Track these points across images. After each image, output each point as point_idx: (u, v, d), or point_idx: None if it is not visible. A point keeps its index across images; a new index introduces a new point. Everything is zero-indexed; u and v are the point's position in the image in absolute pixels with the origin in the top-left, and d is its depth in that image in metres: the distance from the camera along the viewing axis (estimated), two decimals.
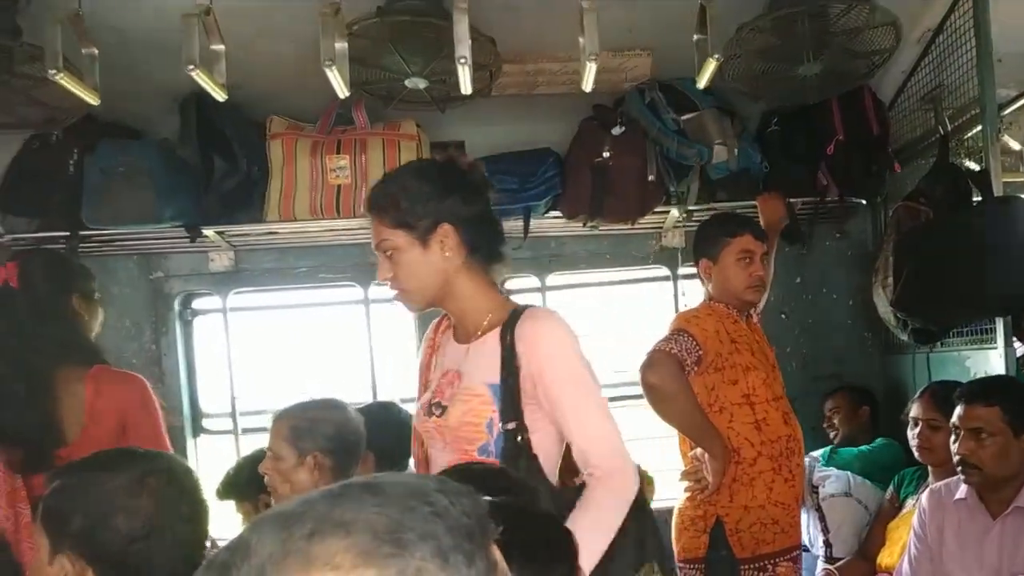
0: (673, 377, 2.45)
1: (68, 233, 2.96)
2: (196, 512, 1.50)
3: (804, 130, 3.15)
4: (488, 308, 1.84)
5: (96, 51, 1.94)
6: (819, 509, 3.11)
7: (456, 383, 1.83)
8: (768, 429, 2.58)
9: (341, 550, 0.58)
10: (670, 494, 3.33)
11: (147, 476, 1.42)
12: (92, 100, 2.00)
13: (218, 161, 3.00)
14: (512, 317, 1.79)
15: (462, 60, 1.89)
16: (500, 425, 1.76)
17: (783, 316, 3.55)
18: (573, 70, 2.86)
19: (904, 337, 3.00)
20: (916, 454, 2.81)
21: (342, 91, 1.96)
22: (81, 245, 3.02)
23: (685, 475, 2.63)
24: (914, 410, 2.79)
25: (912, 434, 2.79)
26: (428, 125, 3.09)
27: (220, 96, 2.03)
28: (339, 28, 1.91)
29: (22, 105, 2.54)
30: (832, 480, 3.14)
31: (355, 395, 3.47)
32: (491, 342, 1.79)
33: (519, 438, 1.75)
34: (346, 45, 1.93)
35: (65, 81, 1.88)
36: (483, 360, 1.79)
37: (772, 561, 2.57)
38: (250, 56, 2.63)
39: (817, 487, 3.14)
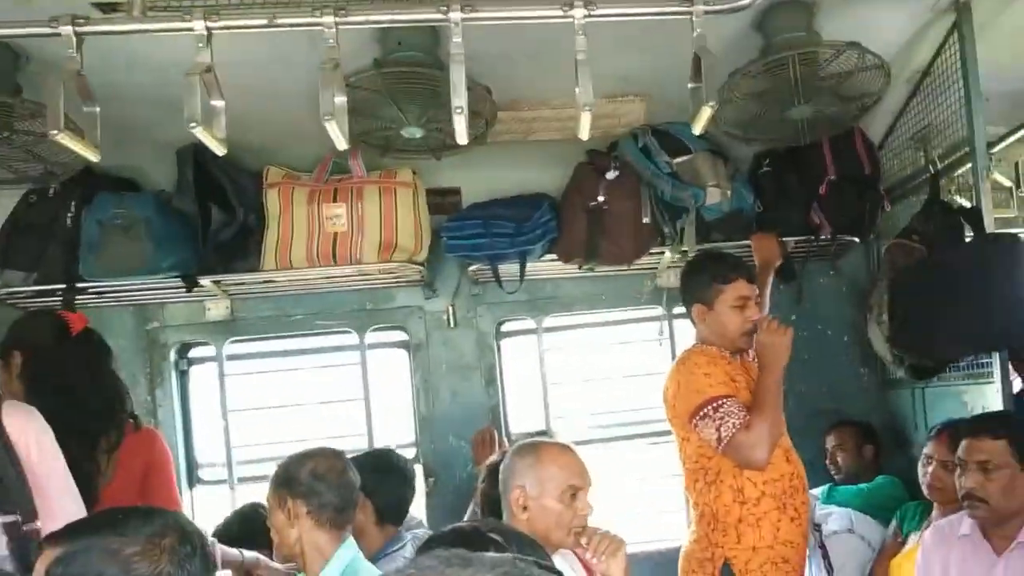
0: (754, 447, 2.49)
1: (64, 286, 2.94)
2: (208, 569, 1.48)
3: (796, 170, 3.20)
4: None
5: (97, 109, 1.95)
6: (822, 547, 3.10)
7: None
8: (770, 468, 2.57)
9: None
10: (674, 535, 3.33)
11: (161, 537, 1.39)
12: (93, 157, 2.01)
13: (215, 211, 3.02)
14: None
15: (458, 110, 1.91)
16: None
17: None
18: (568, 116, 2.89)
19: (901, 373, 3.01)
20: (926, 492, 2.81)
21: (341, 143, 1.97)
22: (77, 298, 3.00)
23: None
24: (929, 448, 2.80)
25: (924, 471, 2.79)
26: (424, 172, 3.12)
27: (220, 151, 2.04)
28: (338, 82, 1.93)
29: (21, 160, 2.55)
30: (834, 517, 3.13)
31: (352, 441, 3.47)
32: None
33: None
34: (345, 99, 1.95)
35: (67, 141, 1.89)
36: None
37: None
38: (247, 108, 2.64)
39: (819, 525, 3.13)
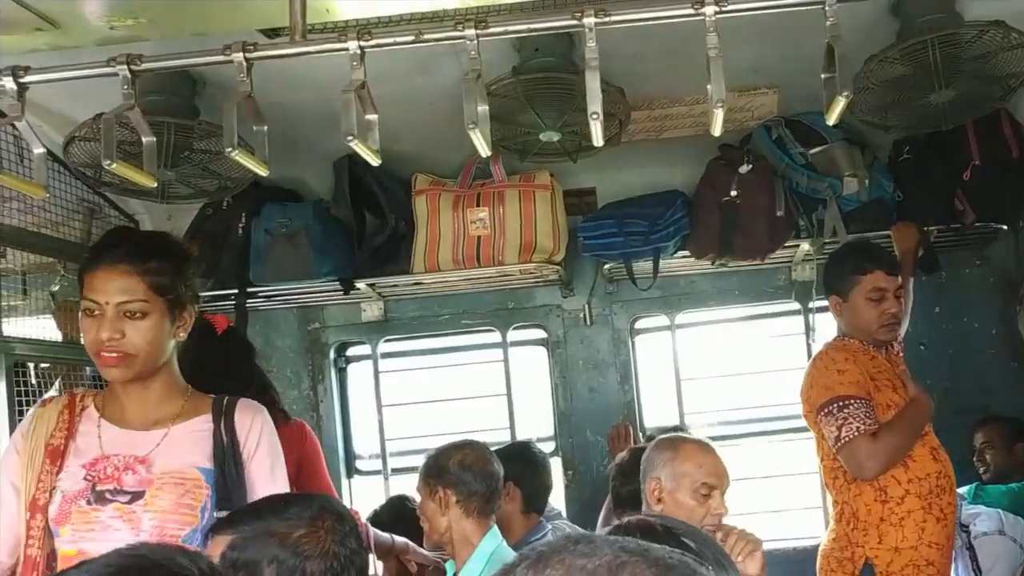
0: (878, 456, 2.46)
1: (237, 290, 3.23)
2: (362, 546, 1.61)
3: (938, 157, 3.12)
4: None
5: (266, 128, 2.17)
6: (970, 548, 2.99)
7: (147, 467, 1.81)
8: (915, 466, 2.52)
9: None
10: (810, 532, 3.30)
11: (322, 519, 1.51)
12: (263, 172, 2.22)
13: (369, 217, 3.24)
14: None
15: (595, 116, 1.99)
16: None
17: (922, 347, 3.46)
18: (700, 112, 2.95)
19: None
20: None
21: (485, 151, 2.10)
22: (248, 300, 3.29)
23: None
24: None
25: None
26: (561, 174, 3.24)
27: (374, 161, 2.21)
28: (480, 92, 2.06)
29: (199, 177, 2.83)
30: (983, 518, 3.02)
31: (495, 435, 3.62)
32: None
33: None
34: (487, 107, 2.08)
35: (240, 158, 2.11)
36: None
37: None
38: (396, 118, 2.84)
39: (967, 525, 3.03)
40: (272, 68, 2.28)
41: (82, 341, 1.89)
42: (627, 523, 1.72)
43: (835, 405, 2.50)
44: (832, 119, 2.10)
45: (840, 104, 2.00)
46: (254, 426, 1.90)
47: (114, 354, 1.79)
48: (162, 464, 1.81)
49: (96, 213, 3.16)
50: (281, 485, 1.91)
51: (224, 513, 1.76)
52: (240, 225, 3.19)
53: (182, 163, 2.76)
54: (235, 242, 3.20)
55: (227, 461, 1.83)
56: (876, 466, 2.46)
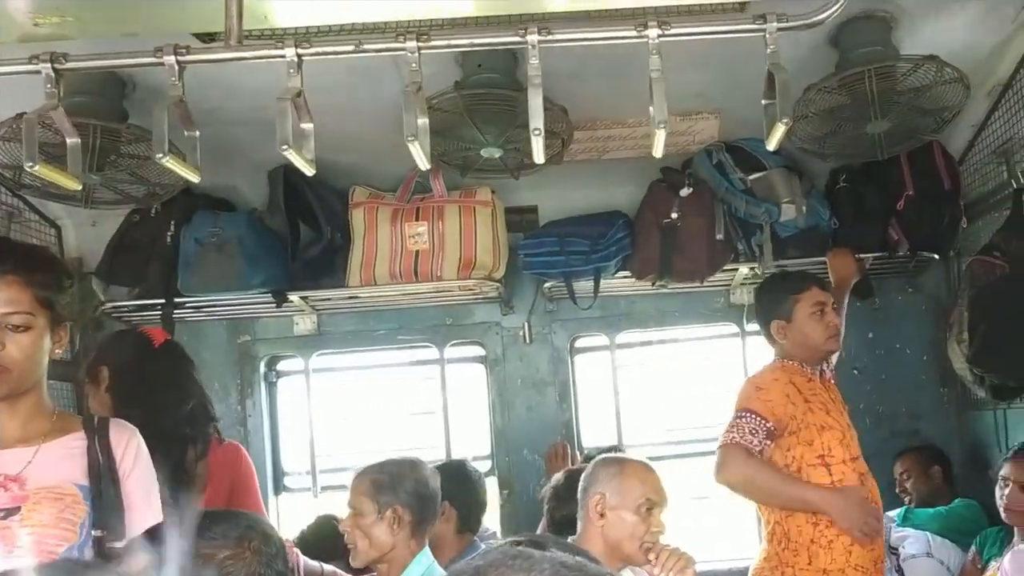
0: (741, 465, 2.52)
1: (163, 300, 3.12)
2: (287, 567, 1.55)
3: (873, 186, 3.18)
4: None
5: (197, 133, 2.09)
6: (899, 571, 3.04)
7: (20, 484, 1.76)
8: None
9: None
10: (743, 554, 3.31)
11: (248, 540, 1.47)
12: (194, 178, 2.14)
13: (303, 229, 3.16)
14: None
15: (536, 132, 1.97)
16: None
17: (855, 372, 3.52)
18: (643, 135, 2.95)
19: (982, 393, 2.95)
20: (1003, 515, 2.75)
21: (424, 164, 2.06)
22: (175, 312, 3.18)
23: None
24: (1005, 470, 2.74)
25: (1001, 494, 2.73)
26: (502, 191, 3.21)
27: (309, 171, 2.15)
28: (420, 104, 2.02)
29: (126, 182, 2.73)
30: (911, 540, 3.08)
31: (430, 453, 3.56)
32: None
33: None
34: (427, 120, 2.04)
35: (171, 164, 2.03)
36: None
37: None
38: (334, 130, 2.77)
39: (896, 548, 3.07)
40: (207, 74, 2.21)
41: None
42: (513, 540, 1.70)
43: (737, 413, 2.59)
44: (772, 145, 2.11)
45: (780, 131, 2.01)
46: (130, 446, 1.85)
47: None
48: (36, 480, 1.75)
49: (15, 217, 3.02)
50: (155, 507, 1.86)
51: (100, 532, 1.73)
52: (169, 233, 3.09)
53: (109, 167, 2.66)
54: (163, 250, 3.10)
55: (103, 479, 1.78)
56: (726, 476, 2.55)
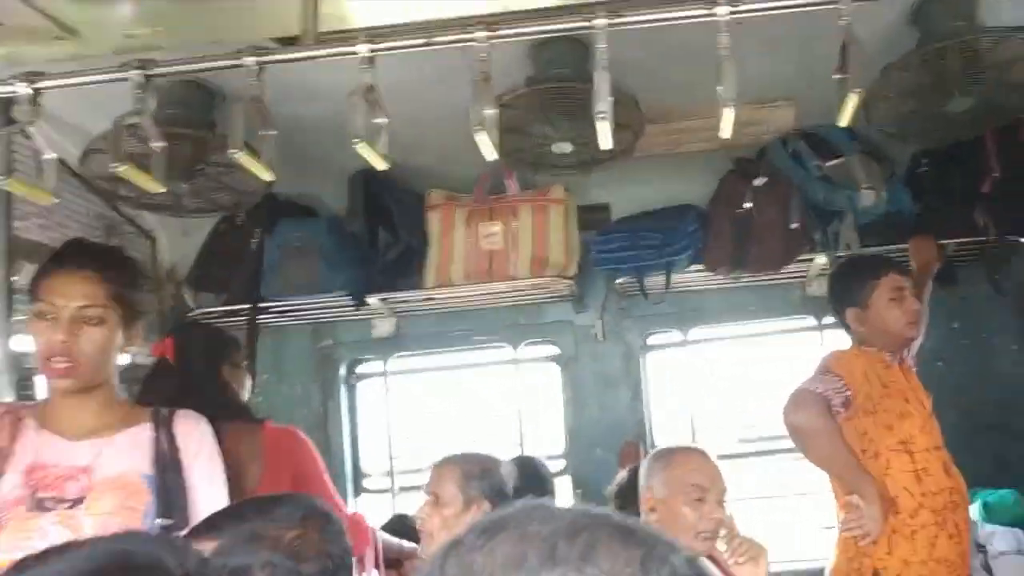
0: (818, 416, 2.39)
1: (249, 306, 3.22)
2: (350, 546, 1.56)
3: (957, 168, 3.08)
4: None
5: (274, 132, 2.17)
6: (987, 569, 2.91)
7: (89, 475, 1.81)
8: (929, 480, 2.45)
9: None
10: (818, 554, 3.21)
11: (310, 520, 1.45)
12: (267, 176, 2.21)
13: (382, 233, 3.23)
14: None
15: (601, 115, 1.99)
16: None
17: (940, 364, 3.38)
18: (716, 126, 2.92)
19: None
20: None
21: (490, 154, 2.09)
22: (260, 317, 3.28)
23: (844, 524, 2.51)
24: None
25: None
26: (575, 189, 3.23)
27: (382, 165, 2.21)
28: (489, 95, 2.06)
29: (214, 190, 2.83)
30: (1000, 537, 2.94)
31: (506, 452, 3.57)
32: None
33: None
34: (496, 111, 2.07)
35: (244, 160, 2.11)
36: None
37: None
38: (411, 133, 2.84)
39: (984, 545, 2.94)
40: (288, 80, 2.29)
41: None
42: None
43: (818, 374, 2.51)
44: (844, 120, 2.07)
45: (852, 101, 1.98)
46: (193, 436, 1.91)
47: (64, 363, 1.79)
48: (103, 471, 1.81)
49: (113, 230, 3.17)
50: (221, 493, 1.92)
51: (165, 521, 1.78)
52: (254, 241, 3.19)
53: (198, 176, 2.77)
54: (248, 257, 3.20)
55: (168, 468, 1.84)
56: (799, 419, 2.40)
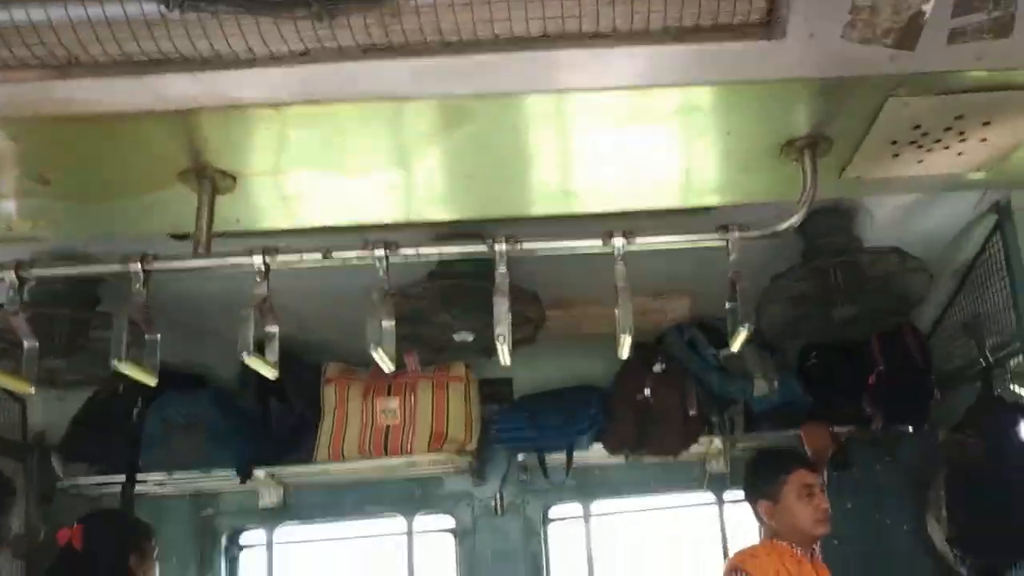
0: None
1: (125, 478, 3.03)
2: None
3: (845, 363, 3.20)
4: None
5: (159, 336, 2.08)
6: None
7: None
8: None
9: None
10: None
11: None
12: (150, 382, 2.12)
13: (274, 404, 3.11)
14: None
15: (500, 337, 1.99)
16: None
17: (836, 542, 3.40)
18: (614, 313, 2.97)
19: (963, 572, 2.88)
20: None
21: (388, 367, 2.05)
22: (137, 487, 3.08)
23: None
24: None
25: None
26: (476, 364, 3.19)
27: (271, 375, 2.13)
28: (387, 309, 2.03)
29: (93, 365, 2.69)
30: None
31: None
32: None
33: None
34: (393, 323, 2.04)
35: (127, 369, 2.01)
36: None
37: None
38: (307, 308, 2.78)
39: None
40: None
41: None
42: None
43: (728, 572, 2.50)
44: (735, 347, 2.12)
45: (742, 334, 2.03)
46: None
47: None
48: None
49: None
50: None
51: None
52: (136, 410, 3.03)
53: (77, 351, 2.63)
54: (128, 428, 3.03)
55: None
56: None
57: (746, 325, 2.03)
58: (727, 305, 2.13)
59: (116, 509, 2.90)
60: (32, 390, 2.12)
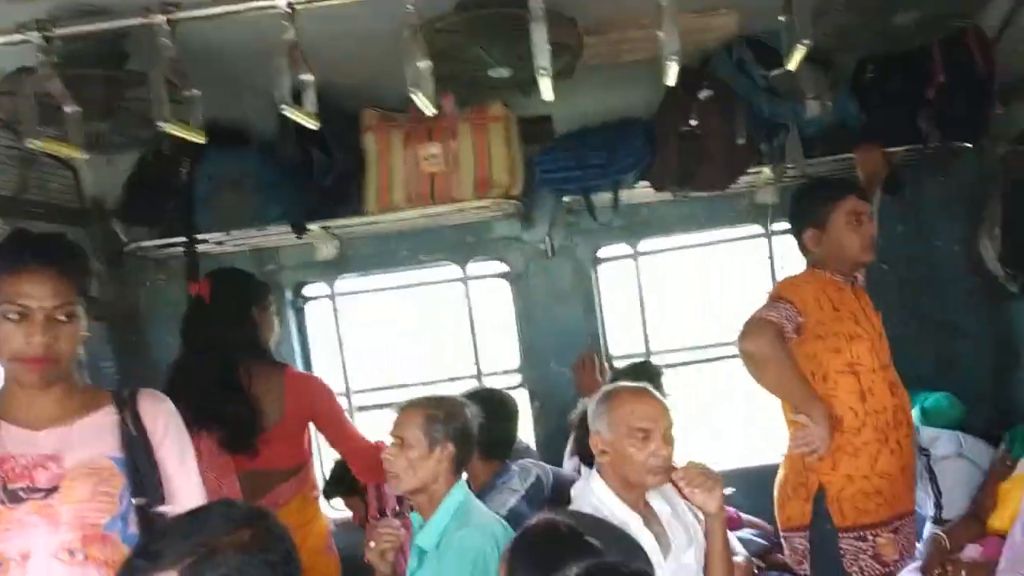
0: (770, 344, 2.45)
1: (186, 239, 3.12)
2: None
3: (903, 75, 3.03)
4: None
5: (198, 92, 2.05)
6: (931, 471, 3.06)
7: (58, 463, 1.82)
8: (873, 399, 2.55)
9: None
10: (776, 451, 3.36)
11: (251, 518, 1.41)
12: (198, 139, 2.12)
13: (316, 155, 3.10)
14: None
15: (542, 72, 1.92)
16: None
17: (884, 267, 3.42)
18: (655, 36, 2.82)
19: (1014, 289, 2.89)
20: None
21: (428, 110, 2.01)
22: (199, 247, 3.17)
23: (793, 442, 2.61)
24: None
25: None
26: (515, 102, 3.09)
27: (312, 125, 2.12)
28: (421, 48, 1.95)
29: (136, 126, 2.68)
30: (943, 441, 3.09)
31: (459, 368, 3.62)
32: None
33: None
34: (429, 63, 1.97)
35: (174, 129, 2.01)
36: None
37: (873, 532, 2.56)
38: (339, 52, 2.69)
39: (927, 449, 3.09)
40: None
41: None
42: (534, 525, 1.76)
43: (772, 301, 2.56)
44: (791, 65, 2.02)
45: (800, 52, 1.92)
46: (159, 415, 1.93)
47: (42, 361, 1.78)
48: (73, 458, 1.83)
49: (29, 163, 3.00)
50: (192, 470, 1.97)
51: (140, 500, 1.83)
52: (183, 170, 3.06)
53: (117, 112, 2.61)
54: (179, 188, 3.07)
55: (136, 449, 1.87)
56: (752, 346, 2.47)
57: (804, 42, 1.91)
58: (781, 18, 2.01)
59: (236, 268, 3.05)
60: (83, 154, 2.15)
